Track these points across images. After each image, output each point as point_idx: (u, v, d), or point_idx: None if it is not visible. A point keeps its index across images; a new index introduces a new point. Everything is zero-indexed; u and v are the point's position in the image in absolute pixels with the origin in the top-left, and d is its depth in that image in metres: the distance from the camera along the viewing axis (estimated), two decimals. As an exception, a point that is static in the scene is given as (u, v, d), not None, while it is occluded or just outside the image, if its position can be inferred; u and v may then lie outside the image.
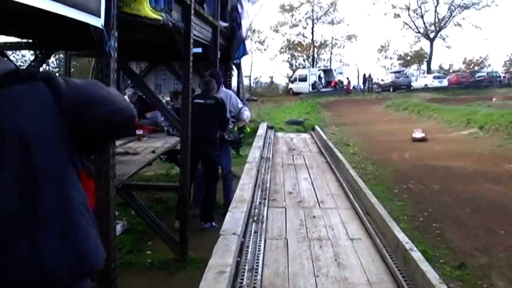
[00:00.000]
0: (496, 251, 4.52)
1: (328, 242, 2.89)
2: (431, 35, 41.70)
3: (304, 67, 40.66)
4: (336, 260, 2.58)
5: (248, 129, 6.59)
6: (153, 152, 4.97)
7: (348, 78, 36.23)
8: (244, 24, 7.09)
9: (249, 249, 2.62)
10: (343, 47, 44.57)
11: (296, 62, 44.13)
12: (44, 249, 1.07)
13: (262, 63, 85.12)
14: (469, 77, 34.77)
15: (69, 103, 1.13)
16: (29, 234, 1.05)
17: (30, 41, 4.31)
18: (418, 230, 5.16)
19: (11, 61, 1.83)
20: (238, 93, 7.82)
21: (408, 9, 41.75)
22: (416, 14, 41.91)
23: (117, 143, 4.31)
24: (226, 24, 6.32)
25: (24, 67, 4.15)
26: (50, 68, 18.71)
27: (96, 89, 1.23)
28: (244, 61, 10.06)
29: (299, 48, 44.12)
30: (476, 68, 40.45)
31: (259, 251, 2.63)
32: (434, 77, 34.79)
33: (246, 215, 3.03)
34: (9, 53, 4.66)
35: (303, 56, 44.47)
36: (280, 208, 3.64)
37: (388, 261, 2.52)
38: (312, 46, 43.73)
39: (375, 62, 56.77)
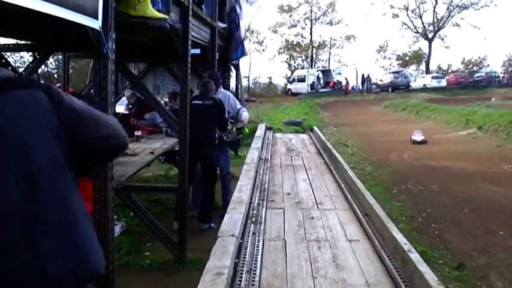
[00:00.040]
0: (495, 251, 4.53)
1: (326, 243, 2.88)
2: (430, 35, 41.74)
3: (302, 67, 40.67)
4: (334, 261, 2.58)
5: (246, 130, 6.59)
6: (152, 153, 4.97)
7: (346, 78, 36.23)
8: (243, 25, 7.10)
9: (247, 251, 2.62)
10: (342, 47, 44.70)
11: (295, 62, 44.15)
12: (45, 252, 1.07)
13: (260, 64, 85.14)
14: (467, 77, 34.75)
15: (66, 116, 1.17)
16: (30, 235, 1.06)
17: (29, 42, 4.31)
18: (416, 231, 5.16)
19: (14, 69, 1.87)
20: (236, 94, 7.84)
21: (407, 9, 41.87)
22: (415, 14, 42.05)
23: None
24: (224, 25, 6.32)
25: (23, 68, 4.16)
26: (49, 69, 18.71)
27: (90, 113, 1.26)
28: (243, 62, 10.08)
29: (297, 49, 44.09)
30: (475, 68, 40.45)
31: (257, 252, 2.63)
32: (433, 77, 34.73)
33: (244, 216, 3.03)
34: (7, 54, 4.67)
35: (301, 57, 44.46)
36: (278, 209, 3.63)
37: (386, 262, 2.52)
38: (310, 46, 43.73)
39: (374, 63, 57.07)
